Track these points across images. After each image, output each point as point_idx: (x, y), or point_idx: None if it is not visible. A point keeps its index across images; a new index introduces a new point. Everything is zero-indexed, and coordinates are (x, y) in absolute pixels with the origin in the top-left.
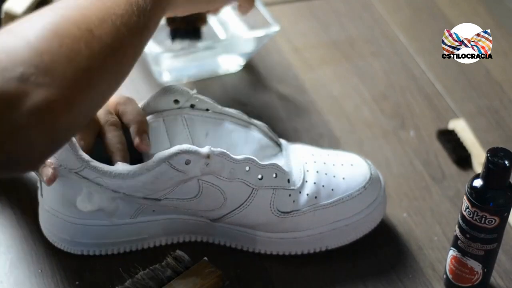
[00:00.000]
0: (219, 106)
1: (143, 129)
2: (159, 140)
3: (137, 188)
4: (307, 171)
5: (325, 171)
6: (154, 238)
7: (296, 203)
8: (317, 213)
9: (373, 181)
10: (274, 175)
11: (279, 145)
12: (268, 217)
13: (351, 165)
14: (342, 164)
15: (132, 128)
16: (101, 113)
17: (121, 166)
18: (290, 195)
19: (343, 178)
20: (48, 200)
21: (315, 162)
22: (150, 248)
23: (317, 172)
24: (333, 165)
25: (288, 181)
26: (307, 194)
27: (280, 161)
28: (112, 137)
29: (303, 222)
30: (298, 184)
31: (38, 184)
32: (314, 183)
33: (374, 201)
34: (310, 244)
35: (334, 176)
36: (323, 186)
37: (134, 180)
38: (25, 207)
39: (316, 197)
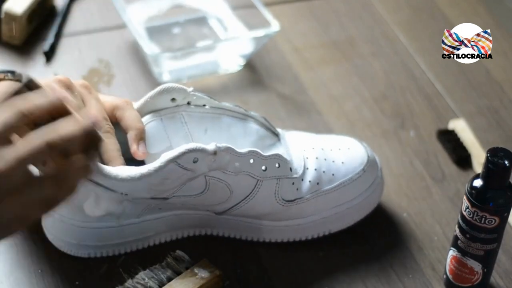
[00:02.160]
0: (216, 101)
1: (141, 136)
2: (159, 139)
3: (146, 189)
4: (307, 158)
5: (324, 156)
6: (159, 235)
7: (300, 191)
8: (320, 199)
9: (371, 163)
10: (277, 165)
11: (276, 135)
12: (273, 207)
13: (348, 148)
14: (339, 149)
15: (129, 134)
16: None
17: (128, 169)
18: (293, 183)
19: (342, 163)
20: None
21: (313, 148)
22: (150, 248)
23: (317, 158)
24: (331, 150)
25: (290, 169)
26: (309, 181)
27: (279, 150)
28: (106, 144)
29: (307, 209)
30: (300, 171)
31: None
32: (315, 169)
33: (373, 183)
34: (313, 229)
35: (333, 161)
36: (323, 171)
37: (142, 182)
38: None
39: (318, 183)
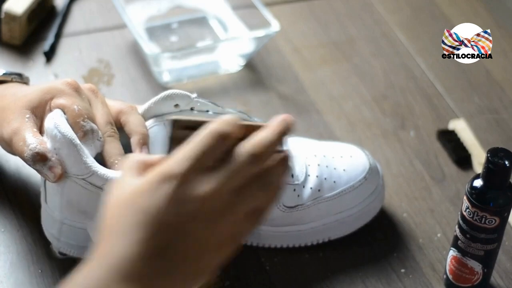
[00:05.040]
0: (220, 107)
1: (144, 141)
2: (161, 143)
3: None
4: (309, 165)
5: (326, 163)
6: None
7: (301, 197)
8: (321, 206)
9: (372, 170)
10: None
11: None
12: (274, 213)
13: (350, 156)
14: (341, 156)
15: (133, 139)
16: (101, 123)
17: None
18: (294, 189)
19: (344, 170)
20: (54, 207)
21: (315, 155)
22: None
23: (319, 165)
24: (333, 157)
25: (292, 175)
26: (311, 188)
27: None
28: (110, 148)
29: (307, 215)
30: (302, 178)
31: (42, 190)
32: (317, 176)
33: (375, 191)
34: (313, 235)
35: (335, 168)
36: (325, 178)
37: None
38: (25, 207)
39: (319, 190)
